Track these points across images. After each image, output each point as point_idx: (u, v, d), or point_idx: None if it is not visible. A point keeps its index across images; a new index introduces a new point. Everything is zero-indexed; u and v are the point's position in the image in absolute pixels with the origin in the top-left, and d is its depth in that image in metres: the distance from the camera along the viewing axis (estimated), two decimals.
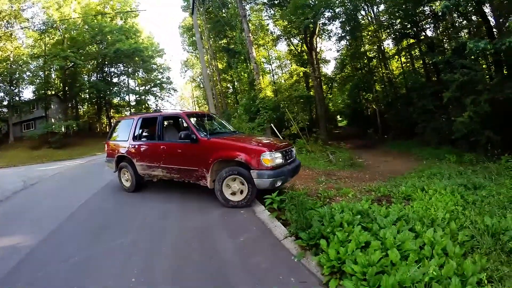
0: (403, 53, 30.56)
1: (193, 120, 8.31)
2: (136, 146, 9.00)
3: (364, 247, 4.26)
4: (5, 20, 38.00)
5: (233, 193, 6.97)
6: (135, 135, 9.13)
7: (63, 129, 39.32)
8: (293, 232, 5.18)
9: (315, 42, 32.63)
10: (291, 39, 36.05)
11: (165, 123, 9.17)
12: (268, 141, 7.96)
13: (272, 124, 16.74)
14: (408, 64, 31.88)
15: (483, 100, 14.78)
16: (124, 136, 9.47)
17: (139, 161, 8.84)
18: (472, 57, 16.77)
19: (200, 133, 7.48)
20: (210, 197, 7.64)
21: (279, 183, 6.70)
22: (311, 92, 33.03)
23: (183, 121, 8.65)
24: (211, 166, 7.05)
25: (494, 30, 17.80)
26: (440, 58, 18.33)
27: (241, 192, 6.92)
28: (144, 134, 9.29)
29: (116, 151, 9.67)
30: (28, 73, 40.10)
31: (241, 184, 6.88)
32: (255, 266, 4.44)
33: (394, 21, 26.64)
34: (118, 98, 49.75)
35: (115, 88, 49.66)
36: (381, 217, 5.19)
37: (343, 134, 41.19)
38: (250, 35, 21.28)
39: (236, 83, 41.37)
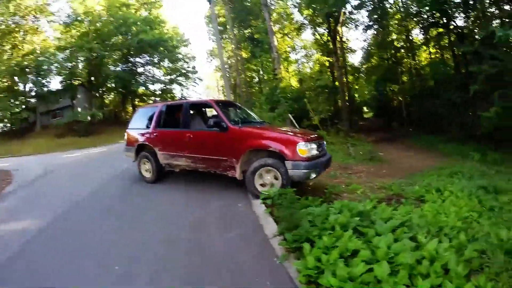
0: (431, 43, 29.49)
1: (221, 107, 7.91)
2: (159, 135, 8.73)
3: (353, 256, 3.83)
4: (31, 15, 38.62)
5: (263, 185, 6.71)
6: (159, 123, 8.81)
7: (88, 118, 39.75)
8: (281, 232, 4.89)
9: (340, 31, 32.02)
10: (317, 28, 35.31)
11: (191, 111, 8.91)
12: (301, 132, 7.50)
13: (290, 115, 16.43)
14: (437, 55, 30.75)
15: None
16: (146, 124, 9.22)
17: (161, 150, 8.58)
18: (504, 48, 15.89)
19: (230, 121, 7.26)
20: (214, 188, 7.97)
21: (313, 175, 6.47)
22: (336, 83, 32.33)
23: (213, 109, 8.13)
24: (241, 156, 6.87)
25: None
26: (468, 48, 17.37)
27: (272, 185, 6.62)
28: (168, 122, 8.81)
29: (137, 139, 9.37)
30: (56, 65, 40.34)
31: (274, 178, 6.63)
32: (237, 264, 4.35)
33: (422, 9, 25.49)
34: (143, 87, 49.74)
35: (141, 78, 49.65)
36: (381, 221, 4.73)
37: (368, 126, 40.33)
38: (272, 23, 21.04)
39: (261, 72, 41.02)
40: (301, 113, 20.41)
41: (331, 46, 31.45)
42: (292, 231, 4.63)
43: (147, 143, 8.98)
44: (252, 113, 9.69)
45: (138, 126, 9.68)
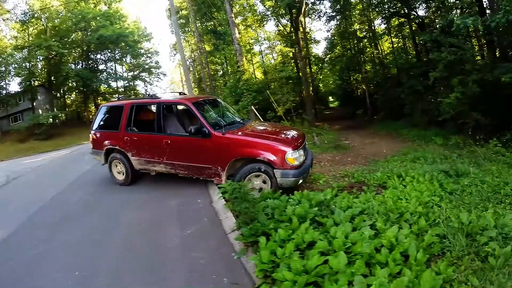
0: (393, 32, 29.90)
1: (201, 109, 7.45)
2: (131, 139, 8.00)
3: (311, 247, 3.69)
4: None
5: (251, 189, 6.36)
6: (128, 125, 8.03)
7: (50, 120, 38.66)
8: (239, 226, 4.80)
9: (303, 21, 32.03)
10: (280, 19, 35.16)
11: (165, 112, 8.18)
12: (287, 136, 7.19)
13: (253, 107, 16.23)
14: (399, 44, 31.23)
15: (471, 81, 14.12)
16: (113, 125, 8.36)
17: (135, 155, 7.96)
18: (461, 36, 16.20)
19: (212, 126, 6.84)
20: (175, 185, 7.89)
21: (301, 181, 6.45)
22: (300, 74, 32.23)
23: (190, 111, 7.37)
24: (227, 164, 6.58)
25: (487, 9, 17.20)
26: (428, 36, 17.58)
27: (260, 190, 6.44)
28: (140, 124, 8.12)
29: (105, 142, 8.54)
30: (14, 65, 39.25)
31: (262, 182, 6.47)
32: (193, 262, 4.35)
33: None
34: (105, 85, 48.48)
35: (102, 75, 48.50)
36: (341, 210, 4.58)
37: (334, 115, 40.71)
38: (233, 16, 20.72)
39: (225, 65, 40.62)
40: (267, 104, 20.28)
41: (294, 37, 31.42)
42: (249, 225, 4.52)
43: (117, 147, 8.28)
44: (231, 108, 9.37)
45: (104, 126, 8.94)
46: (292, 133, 7.45)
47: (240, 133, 7.02)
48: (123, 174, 8.45)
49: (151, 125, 7.79)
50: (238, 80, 20.71)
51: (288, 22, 33.76)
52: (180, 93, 10.52)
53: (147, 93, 45.83)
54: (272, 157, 6.15)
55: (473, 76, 14.23)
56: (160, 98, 8.29)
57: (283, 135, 7.16)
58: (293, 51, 33.28)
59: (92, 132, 9.04)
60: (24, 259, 4.96)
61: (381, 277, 2.98)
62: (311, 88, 34.45)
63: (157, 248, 4.84)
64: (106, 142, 8.52)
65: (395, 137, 18.88)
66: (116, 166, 8.61)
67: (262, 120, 13.53)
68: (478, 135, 13.45)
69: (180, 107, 8.70)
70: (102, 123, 9.01)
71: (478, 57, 18.57)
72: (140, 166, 8.04)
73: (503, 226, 4.02)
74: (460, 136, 14.12)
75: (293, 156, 6.11)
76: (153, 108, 8.26)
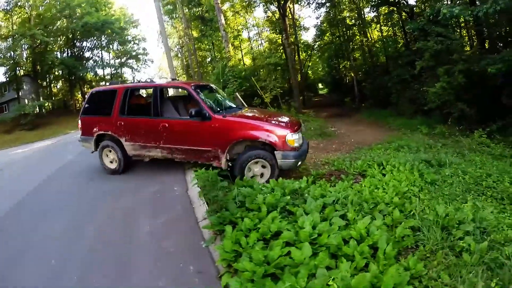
0: (382, 20, 29.62)
1: (199, 93, 7.31)
2: (126, 124, 7.75)
3: (277, 237, 3.56)
4: None
5: (252, 177, 6.47)
6: (123, 109, 7.77)
7: (37, 110, 38.39)
8: (209, 214, 4.73)
9: (292, 8, 31.79)
10: (268, 5, 34.68)
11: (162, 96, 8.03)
12: (285, 120, 7.26)
13: (237, 93, 16.05)
14: (390, 33, 30.96)
15: (457, 71, 14.07)
16: (105, 110, 8.02)
17: (129, 140, 7.71)
18: (449, 26, 16.08)
19: (211, 109, 6.83)
20: (153, 172, 7.94)
21: (300, 163, 6.65)
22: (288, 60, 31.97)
23: (189, 94, 7.33)
24: (228, 147, 6.59)
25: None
26: (415, 25, 17.39)
27: (262, 175, 6.58)
28: (135, 108, 7.91)
29: (95, 128, 8.20)
30: (1, 54, 38.64)
31: (262, 167, 6.57)
32: (163, 250, 4.37)
33: None
34: (91, 73, 48.07)
35: (89, 63, 47.98)
36: (313, 199, 4.42)
37: (323, 102, 40.40)
38: (219, 1, 20.38)
39: (213, 52, 40.19)
40: (254, 91, 20.03)
41: (282, 24, 31.09)
42: (218, 213, 4.49)
43: (110, 132, 7.97)
44: (225, 95, 9.32)
45: (94, 112, 8.48)
46: (289, 118, 7.59)
47: (239, 116, 7.11)
48: (115, 161, 8.18)
49: (147, 109, 7.67)
50: (224, 67, 20.50)
51: (277, 9, 33.40)
52: (172, 79, 10.33)
53: (136, 79, 45.31)
54: (273, 139, 6.27)
55: (459, 66, 14.15)
56: (155, 82, 8.09)
57: (280, 120, 7.22)
58: (278, 37, 33.09)
59: (81, 117, 8.67)
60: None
61: (343, 271, 2.81)
62: (299, 75, 34.31)
63: (128, 238, 4.84)
64: (97, 128, 8.21)
65: (382, 125, 18.77)
66: (107, 155, 8.29)
67: (246, 105, 13.32)
68: (463, 125, 13.44)
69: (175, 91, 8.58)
70: (92, 108, 8.57)
71: (467, 48, 18.41)
72: (134, 152, 7.82)
73: (482, 220, 3.91)
74: (445, 125, 14.08)
75: (293, 138, 6.26)
76: (149, 92, 8.09)
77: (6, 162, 14.24)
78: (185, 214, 5.38)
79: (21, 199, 7.20)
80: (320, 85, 59.00)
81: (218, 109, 7.02)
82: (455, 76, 14.09)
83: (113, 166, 8.22)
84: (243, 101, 14.03)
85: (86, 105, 8.68)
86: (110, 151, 8.12)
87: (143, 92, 8.38)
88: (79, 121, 8.71)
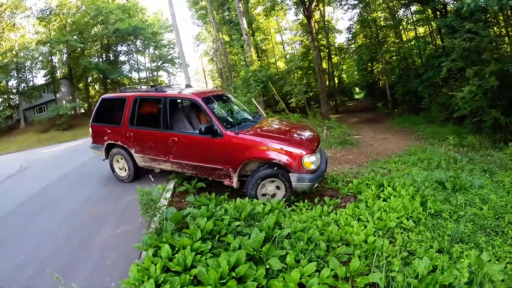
0: (415, 19, 28.34)
1: (211, 105, 6.98)
2: (135, 135, 7.54)
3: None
4: (7, 12, 38.05)
5: (264, 195, 6.20)
6: (132, 119, 7.55)
7: (69, 111, 39.64)
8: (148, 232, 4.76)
9: (323, 10, 31.39)
10: (299, 8, 34.03)
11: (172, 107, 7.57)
12: (304, 137, 6.80)
13: (254, 100, 15.72)
14: (425, 33, 29.50)
15: (488, 72, 12.28)
16: (115, 118, 7.84)
17: (139, 152, 7.55)
18: (481, 22, 14.63)
19: (224, 125, 6.41)
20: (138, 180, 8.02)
21: (316, 185, 6.14)
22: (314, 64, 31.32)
23: (200, 107, 6.85)
24: (239, 166, 6.22)
25: None
26: (442, 22, 16.01)
27: (273, 195, 6.20)
28: (144, 119, 7.59)
29: (106, 137, 8.06)
30: (40, 58, 40.74)
31: (276, 188, 6.19)
32: (101, 261, 4.60)
33: None
34: (124, 77, 48.76)
35: (124, 67, 49.44)
36: (259, 230, 3.83)
37: (357, 107, 39.80)
38: (240, 5, 20.07)
39: (244, 56, 40.16)
40: (281, 95, 19.58)
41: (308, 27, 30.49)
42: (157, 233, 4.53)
43: (119, 143, 7.82)
44: (240, 103, 8.90)
45: (105, 119, 8.27)
46: (307, 133, 7.06)
47: (253, 132, 6.53)
48: (125, 170, 8.07)
49: (157, 120, 7.28)
50: (247, 72, 20.36)
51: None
52: (186, 86, 9.99)
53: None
54: (288, 161, 5.84)
55: (491, 67, 12.41)
56: (165, 91, 7.53)
57: (298, 137, 6.78)
58: (303, 40, 32.60)
59: (91, 125, 8.46)
60: None
61: None
62: (326, 79, 33.66)
63: (83, 245, 5.14)
64: (107, 137, 8.07)
65: (410, 133, 17.81)
66: (118, 161, 8.21)
67: (263, 113, 12.80)
68: (497, 136, 12.12)
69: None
70: (102, 115, 8.34)
71: (506, 46, 16.66)
72: (144, 164, 7.67)
73: (482, 285, 2.95)
74: (477, 136, 12.47)
75: (310, 160, 5.80)
76: (159, 101, 7.53)
77: (34, 159, 15.25)
78: (143, 227, 5.30)
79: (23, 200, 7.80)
80: (357, 89, 58.01)
81: (230, 124, 6.56)
82: (486, 79, 12.39)
83: (124, 174, 8.14)
84: (261, 110, 13.55)
85: (96, 112, 8.44)
86: (122, 158, 8.01)
87: (154, 101, 7.83)
88: (90, 129, 8.54)
